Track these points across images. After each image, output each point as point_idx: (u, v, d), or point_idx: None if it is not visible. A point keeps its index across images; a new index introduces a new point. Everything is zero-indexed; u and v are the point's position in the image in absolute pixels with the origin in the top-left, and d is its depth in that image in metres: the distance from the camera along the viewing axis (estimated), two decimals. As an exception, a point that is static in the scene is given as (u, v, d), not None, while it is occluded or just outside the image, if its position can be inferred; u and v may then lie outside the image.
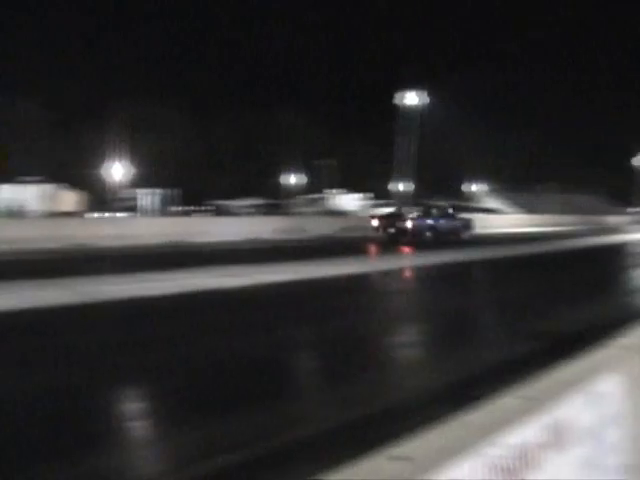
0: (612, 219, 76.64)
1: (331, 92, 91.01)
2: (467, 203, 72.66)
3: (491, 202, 78.01)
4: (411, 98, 59.38)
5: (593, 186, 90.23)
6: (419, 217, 32.61)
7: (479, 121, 78.83)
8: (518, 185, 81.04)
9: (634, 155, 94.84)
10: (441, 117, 68.13)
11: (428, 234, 31.85)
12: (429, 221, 32.61)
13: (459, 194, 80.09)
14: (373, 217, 35.55)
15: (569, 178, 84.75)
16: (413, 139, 59.55)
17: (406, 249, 28.29)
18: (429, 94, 60.34)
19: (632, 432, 2.85)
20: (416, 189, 68.25)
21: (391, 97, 61.26)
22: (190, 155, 66.89)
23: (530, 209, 69.61)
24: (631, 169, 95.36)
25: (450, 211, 36.01)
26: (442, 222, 33.37)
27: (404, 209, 35.79)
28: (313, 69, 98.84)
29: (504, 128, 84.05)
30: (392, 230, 32.45)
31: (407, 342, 9.68)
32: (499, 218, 61.19)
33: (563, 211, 69.90)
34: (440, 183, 77.23)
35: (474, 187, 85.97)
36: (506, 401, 2.16)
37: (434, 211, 34.07)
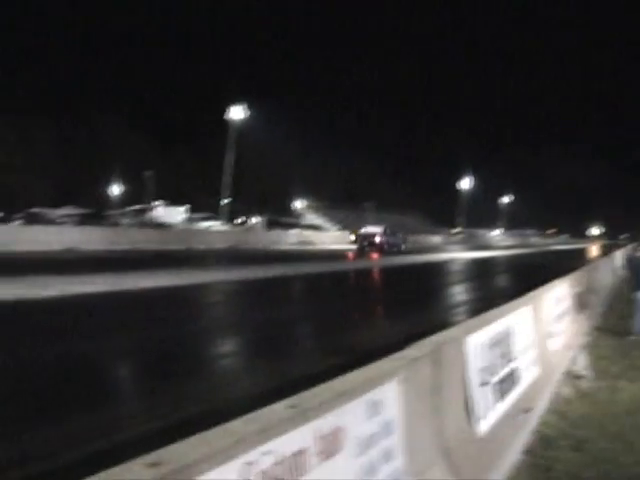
0: (433, 239, 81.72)
1: (160, 104, 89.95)
2: (294, 219, 74.30)
3: (312, 218, 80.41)
4: (236, 113, 59.55)
5: (417, 206, 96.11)
6: (382, 235, 48.03)
7: (303, 138, 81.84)
8: (337, 202, 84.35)
9: (459, 178, 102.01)
10: (267, 133, 69.55)
11: (385, 246, 47.04)
12: (386, 238, 48.40)
13: (286, 210, 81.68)
14: (351, 234, 52.26)
15: (393, 197, 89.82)
16: (234, 153, 59.67)
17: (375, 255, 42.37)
18: (253, 109, 60.90)
19: (408, 438, 3.08)
20: (238, 203, 68.71)
21: (218, 111, 61.28)
22: (6, 160, 62.59)
23: (348, 226, 72.85)
24: (456, 192, 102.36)
25: (395, 232, 52.22)
26: (392, 238, 49.61)
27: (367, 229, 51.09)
28: (143, 80, 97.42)
29: (328, 146, 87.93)
30: (365, 243, 47.40)
31: (218, 354, 9.72)
32: (324, 235, 63.16)
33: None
34: (265, 198, 78.71)
35: (298, 203, 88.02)
36: (276, 410, 2.25)
37: (388, 231, 49.73)
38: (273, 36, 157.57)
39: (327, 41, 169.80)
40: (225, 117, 59.61)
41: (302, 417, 2.23)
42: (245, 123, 60.46)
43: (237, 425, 2.06)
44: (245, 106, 59.68)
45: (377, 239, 47.38)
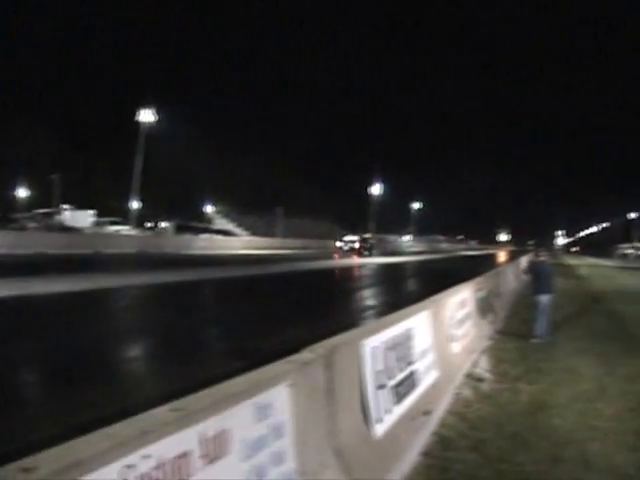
0: None
1: (69, 105, 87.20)
2: (204, 224, 73.94)
3: (222, 223, 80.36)
4: (145, 116, 58.33)
5: (328, 211, 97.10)
6: (361, 241, 66.26)
7: (214, 143, 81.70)
8: (247, 207, 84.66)
9: (370, 184, 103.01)
10: (178, 137, 68.90)
11: (362, 250, 63.10)
12: (362, 243, 65.69)
13: (196, 215, 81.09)
14: (337, 241, 68.74)
15: (304, 202, 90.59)
16: (142, 157, 58.49)
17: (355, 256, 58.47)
18: (163, 113, 59.83)
19: (300, 441, 3.19)
20: (148, 207, 67.74)
21: (127, 114, 59.87)
22: None
23: (257, 232, 73.48)
24: (367, 197, 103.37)
25: (367, 240, 69.82)
26: (366, 245, 66.15)
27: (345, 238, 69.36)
28: (53, 80, 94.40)
29: (238, 151, 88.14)
30: (347, 248, 64.22)
31: (123, 359, 9.64)
32: (235, 240, 63.12)
33: (296, 235, 74.25)
34: (175, 202, 78.16)
35: (209, 208, 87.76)
36: (160, 413, 2.30)
37: (362, 238, 68.41)
38: (186, 39, 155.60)
39: (241, 44, 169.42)
40: (134, 120, 58.35)
41: (186, 420, 2.30)
42: (155, 127, 59.41)
43: (117, 428, 2.11)
44: (154, 110, 58.70)
45: (356, 245, 65.22)
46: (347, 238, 68.98)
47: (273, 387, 3.04)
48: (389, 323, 5.60)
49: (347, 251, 63.10)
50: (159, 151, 65.52)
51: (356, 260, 50.69)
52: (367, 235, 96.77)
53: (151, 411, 2.32)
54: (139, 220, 63.16)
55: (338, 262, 44.14)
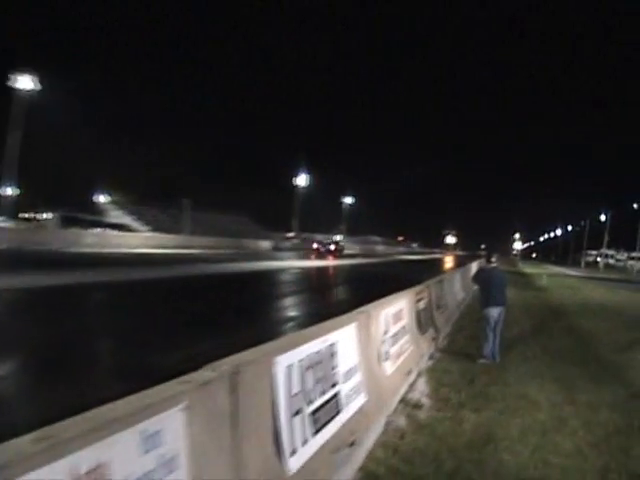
0: (261, 244, 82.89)
1: None
2: (96, 217, 72.65)
3: (117, 216, 79.12)
4: (24, 83, 56.30)
5: (246, 207, 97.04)
6: (335, 243, 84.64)
7: (109, 124, 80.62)
8: (148, 199, 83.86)
9: (295, 175, 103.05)
10: (65, 113, 67.32)
11: (337, 252, 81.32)
12: (335, 246, 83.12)
13: (86, 205, 79.71)
14: (313, 242, 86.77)
15: (217, 195, 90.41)
16: (20, 134, 56.78)
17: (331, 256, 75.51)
18: (47, 84, 57.99)
19: (194, 475, 3.20)
20: (26, 195, 66.38)
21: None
22: None
23: (159, 227, 72.80)
24: (293, 189, 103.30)
25: (338, 242, 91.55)
26: (337, 245, 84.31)
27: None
28: None
29: (139, 134, 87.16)
30: (323, 249, 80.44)
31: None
32: (134, 236, 62.39)
33: (206, 232, 73.87)
34: (61, 190, 76.87)
35: (102, 198, 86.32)
36: (20, 444, 2.25)
37: (334, 240, 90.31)
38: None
39: (149, 18, 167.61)
40: (9, 87, 56.37)
41: (53, 452, 2.26)
42: (36, 99, 57.61)
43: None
44: (36, 78, 56.89)
45: (332, 247, 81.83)
46: (326, 240, 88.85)
47: (164, 412, 3.02)
48: (308, 337, 5.63)
49: (324, 252, 78.45)
50: (41, 128, 63.99)
51: (331, 261, 61.33)
52: (291, 234, 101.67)
53: (10, 441, 2.27)
54: (15, 210, 61.69)
55: (256, 265, 44.16)
